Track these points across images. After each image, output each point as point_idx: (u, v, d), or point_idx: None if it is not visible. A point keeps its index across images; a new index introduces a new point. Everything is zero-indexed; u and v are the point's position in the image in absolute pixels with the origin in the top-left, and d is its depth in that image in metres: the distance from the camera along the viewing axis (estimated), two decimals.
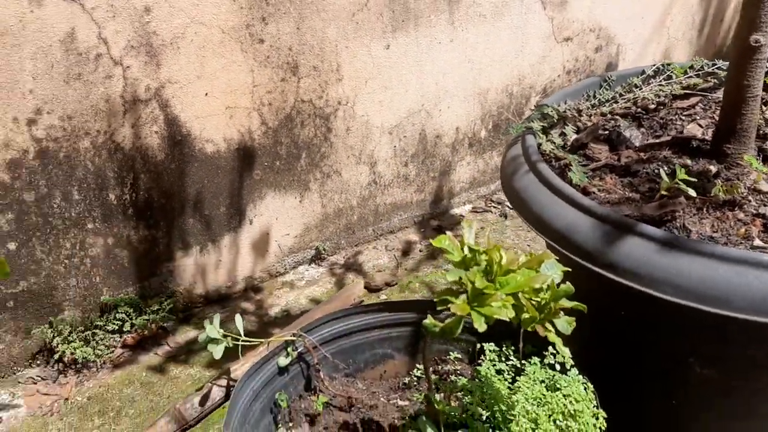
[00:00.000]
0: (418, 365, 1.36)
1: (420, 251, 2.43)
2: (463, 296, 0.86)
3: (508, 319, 0.83)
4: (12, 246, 1.76)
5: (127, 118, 1.81)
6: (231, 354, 1.63)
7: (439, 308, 0.87)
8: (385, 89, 2.25)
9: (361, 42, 2.12)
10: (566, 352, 0.87)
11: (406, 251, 2.44)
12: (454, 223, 2.59)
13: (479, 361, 1.33)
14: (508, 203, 2.59)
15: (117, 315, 1.99)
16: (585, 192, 1.22)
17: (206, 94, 1.91)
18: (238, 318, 1.28)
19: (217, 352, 1.22)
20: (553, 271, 0.92)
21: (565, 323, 0.90)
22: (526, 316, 0.88)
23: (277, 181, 2.16)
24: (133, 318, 2.01)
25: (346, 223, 2.40)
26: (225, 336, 1.25)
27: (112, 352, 1.99)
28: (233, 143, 2.01)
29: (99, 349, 1.95)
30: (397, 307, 1.35)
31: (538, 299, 0.89)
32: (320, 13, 2.00)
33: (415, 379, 1.37)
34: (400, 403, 1.32)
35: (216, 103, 1.93)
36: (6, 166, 1.69)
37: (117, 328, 1.99)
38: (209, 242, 2.10)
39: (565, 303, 0.90)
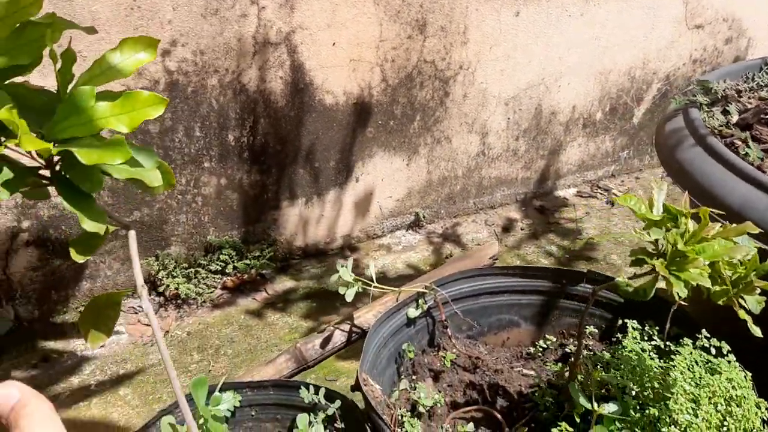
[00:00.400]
0: (546, 336, 1.31)
1: (521, 230, 2.36)
2: (660, 258, 0.80)
3: (709, 286, 0.77)
4: None
5: (256, 60, 1.80)
6: (327, 307, 1.59)
7: (632, 265, 0.81)
8: (508, 58, 2.18)
9: (492, 6, 2.05)
10: (757, 331, 0.81)
11: (506, 228, 2.37)
12: (558, 205, 2.51)
13: (613, 339, 1.27)
14: (615, 191, 2.50)
15: (221, 256, 2.00)
16: (759, 170, 1.14)
17: (333, 44, 1.88)
18: (371, 265, 1.26)
19: (349, 294, 1.19)
20: (747, 245, 0.85)
21: (755, 302, 0.84)
22: (717, 288, 0.81)
23: (388, 141, 2.12)
24: (235, 261, 2.02)
25: (449, 192, 2.35)
26: (356, 280, 1.22)
27: (212, 292, 2.00)
28: (352, 97, 1.98)
29: (200, 288, 1.96)
30: (531, 274, 1.29)
31: (731, 272, 0.83)
32: None
33: (540, 350, 1.31)
34: (525, 371, 1.27)
35: (341, 54, 1.90)
36: None
37: (220, 269, 2.00)
38: (315, 195, 2.09)
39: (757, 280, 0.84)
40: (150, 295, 1.96)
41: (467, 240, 2.30)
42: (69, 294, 1.85)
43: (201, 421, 0.86)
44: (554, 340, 1.31)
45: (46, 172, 0.85)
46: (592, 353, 1.23)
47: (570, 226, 2.38)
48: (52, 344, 1.81)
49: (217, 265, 2.00)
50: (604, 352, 1.14)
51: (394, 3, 1.90)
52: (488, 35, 2.10)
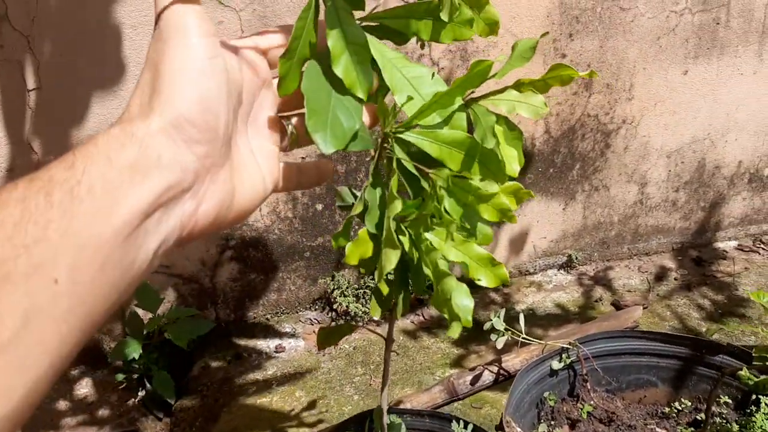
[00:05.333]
0: (682, 399, 1.41)
1: (675, 279, 2.40)
2: None
3: None
4: (319, 207, 2.07)
5: None
6: (478, 338, 1.77)
7: (755, 363, 0.93)
8: (673, 114, 2.23)
9: (660, 65, 2.13)
10: None
11: (659, 276, 2.42)
12: (716, 257, 2.51)
13: (748, 410, 1.34)
14: None
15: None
16: None
17: None
18: (521, 317, 1.42)
19: (499, 342, 1.37)
20: None
21: None
22: None
23: (546, 187, 2.26)
24: None
25: (603, 237, 2.44)
26: (507, 330, 1.39)
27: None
28: None
29: (367, 307, 2.22)
30: (671, 340, 1.40)
31: None
32: (626, 34, 2.04)
33: (675, 411, 1.41)
34: (658, 430, 1.37)
35: None
36: None
37: None
38: None
39: None
40: (324, 309, 2.25)
41: (618, 285, 2.38)
42: (259, 303, 2.18)
43: None
44: (689, 404, 1.40)
45: None
46: (724, 422, 1.31)
47: (726, 281, 2.38)
48: (243, 343, 2.14)
49: None
50: (735, 423, 1.22)
51: (563, 63, 2.04)
52: (654, 92, 2.17)
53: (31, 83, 1.62)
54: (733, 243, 2.59)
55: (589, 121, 2.17)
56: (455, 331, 0.65)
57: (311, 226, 2.08)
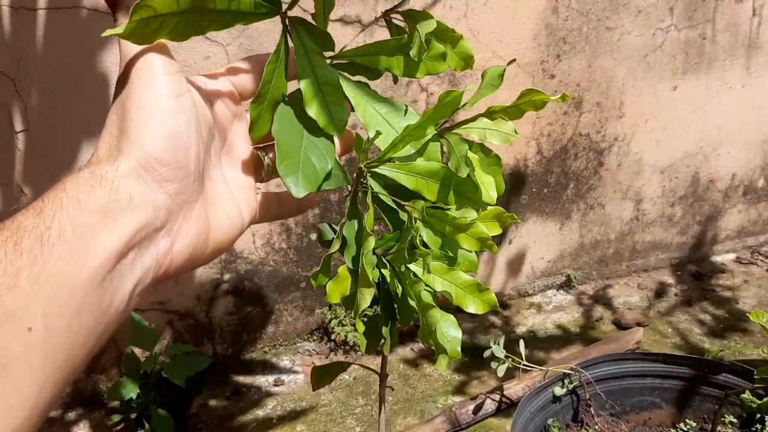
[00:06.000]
0: (687, 419, 1.38)
1: (675, 295, 2.38)
2: None
3: None
4: (313, 237, 2.06)
5: None
6: (478, 363, 1.77)
7: (757, 384, 0.91)
8: (664, 129, 2.23)
9: (649, 82, 2.13)
10: None
11: (659, 293, 2.40)
12: (715, 270, 2.49)
13: (753, 429, 1.32)
14: None
15: None
16: None
17: None
18: (521, 343, 1.40)
19: (500, 370, 1.35)
20: None
21: None
22: None
23: (542, 207, 2.25)
24: None
25: (601, 255, 2.42)
26: (507, 357, 1.37)
27: None
28: (507, 168, 2.14)
29: None
30: (673, 361, 1.38)
31: None
32: (613, 53, 2.04)
33: None
34: None
35: None
36: None
37: None
38: None
39: None
40: (323, 340, 2.23)
41: (618, 303, 2.36)
42: (257, 336, 2.16)
43: None
44: (694, 425, 1.37)
45: None
46: None
47: (726, 294, 2.36)
48: (242, 379, 2.11)
49: None
50: None
51: (551, 84, 2.04)
52: (644, 109, 2.17)
53: (18, 126, 1.62)
54: (731, 256, 2.57)
55: (581, 140, 2.16)
56: (442, 364, 0.64)
57: (306, 257, 2.06)
